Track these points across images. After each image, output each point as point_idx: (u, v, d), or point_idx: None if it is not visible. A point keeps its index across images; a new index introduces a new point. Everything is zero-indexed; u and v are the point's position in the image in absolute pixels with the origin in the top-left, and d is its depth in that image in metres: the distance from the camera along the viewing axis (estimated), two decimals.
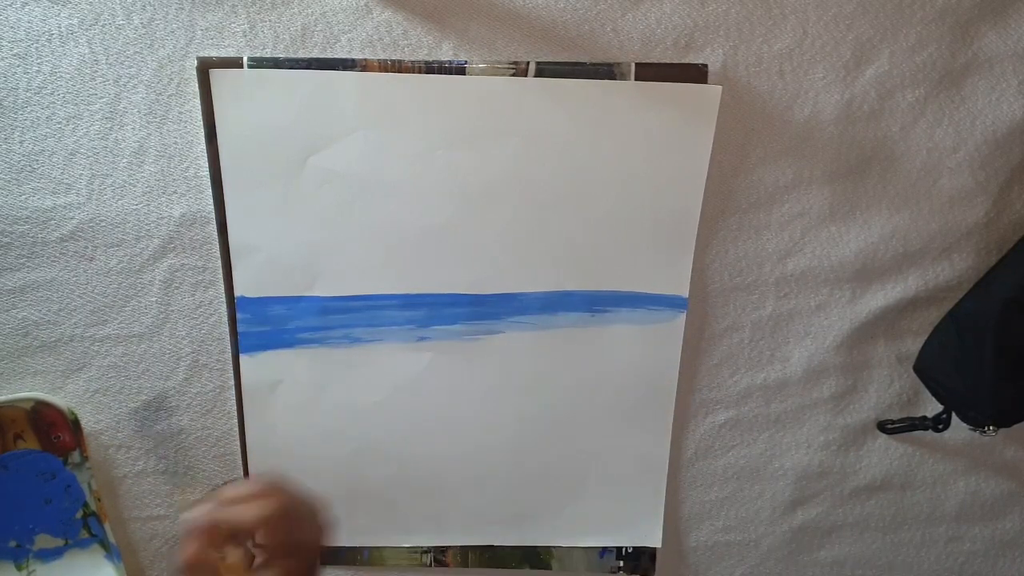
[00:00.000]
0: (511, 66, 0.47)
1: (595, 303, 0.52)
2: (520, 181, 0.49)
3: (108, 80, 0.47)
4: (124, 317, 0.51)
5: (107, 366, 0.52)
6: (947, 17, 0.47)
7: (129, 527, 0.56)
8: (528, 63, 0.47)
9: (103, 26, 0.46)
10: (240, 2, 0.46)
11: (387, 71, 0.47)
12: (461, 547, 0.59)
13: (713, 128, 0.48)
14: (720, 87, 0.47)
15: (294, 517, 0.42)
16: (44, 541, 0.55)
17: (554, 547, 0.59)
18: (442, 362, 0.53)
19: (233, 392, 0.54)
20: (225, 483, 0.47)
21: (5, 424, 0.52)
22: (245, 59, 0.46)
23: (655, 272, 0.52)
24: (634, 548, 0.59)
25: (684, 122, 0.48)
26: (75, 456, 0.53)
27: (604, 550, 0.59)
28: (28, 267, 0.50)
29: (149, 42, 0.46)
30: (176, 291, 0.51)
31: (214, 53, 0.46)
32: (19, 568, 0.55)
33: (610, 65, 0.47)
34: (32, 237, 0.49)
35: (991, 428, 0.52)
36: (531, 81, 0.47)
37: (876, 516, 0.59)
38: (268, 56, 0.47)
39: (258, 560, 0.41)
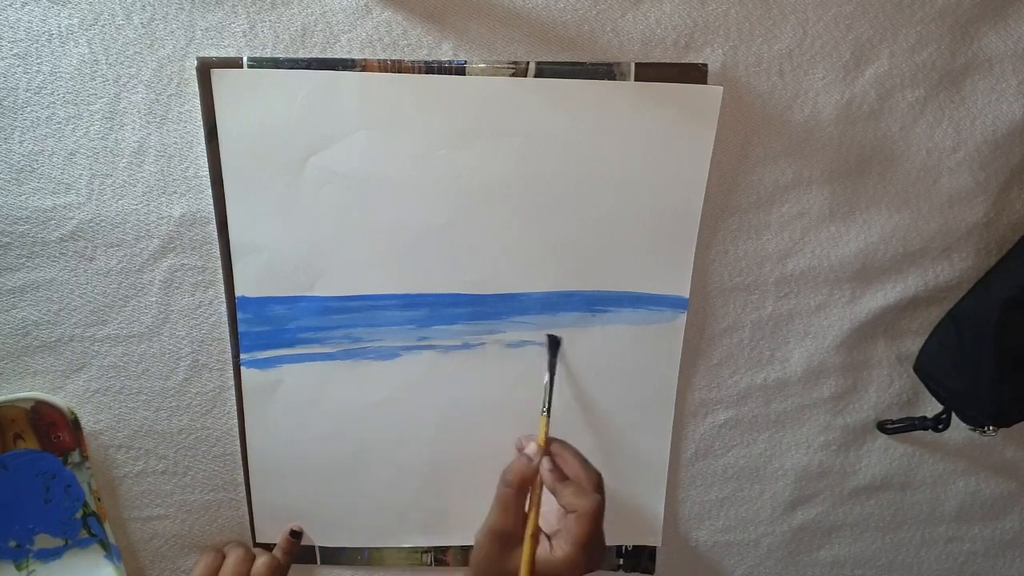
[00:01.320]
0: (511, 66, 0.47)
1: (596, 303, 0.52)
2: (521, 181, 0.49)
3: (108, 80, 0.47)
4: (124, 317, 0.51)
5: (107, 366, 0.52)
6: (947, 17, 0.47)
7: (129, 527, 0.56)
8: (528, 63, 0.47)
9: (103, 26, 0.46)
10: (240, 2, 0.46)
11: (387, 71, 0.47)
12: (461, 547, 0.59)
13: (714, 129, 0.48)
14: (721, 88, 0.47)
15: (597, 528, 0.47)
16: (44, 541, 0.55)
17: None
18: (442, 362, 0.53)
19: (233, 392, 0.54)
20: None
21: (5, 424, 0.52)
22: (245, 59, 0.46)
23: (656, 273, 0.52)
24: (634, 547, 0.59)
25: (685, 122, 0.48)
26: (75, 456, 0.53)
27: None
28: (28, 267, 0.50)
29: (149, 42, 0.46)
30: (176, 291, 0.51)
31: (214, 53, 0.46)
32: (19, 568, 0.55)
33: (610, 65, 0.47)
34: (32, 237, 0.49)
35: (991, 428, 0.52)
36: (531, 81, 0.47)
37: (876, 516, 0.59)
38: (268, 56, 0.47)
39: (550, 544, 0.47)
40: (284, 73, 0.46)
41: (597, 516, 0.46)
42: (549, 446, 0.51)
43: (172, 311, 0.52)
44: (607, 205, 0.50)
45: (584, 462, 0.49)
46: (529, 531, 0.47)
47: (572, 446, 0.51)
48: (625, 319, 0.52)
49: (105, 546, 0.55)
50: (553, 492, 0.48)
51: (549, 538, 0.48)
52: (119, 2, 0.46)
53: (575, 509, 0.46)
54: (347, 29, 0.47)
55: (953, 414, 0.53)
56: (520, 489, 0.48)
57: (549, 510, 0.49)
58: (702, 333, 0.54)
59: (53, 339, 0.51)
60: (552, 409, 0.52)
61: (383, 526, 0.58)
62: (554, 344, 0.53)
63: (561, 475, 0.48)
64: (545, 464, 0.48)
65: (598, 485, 0.48)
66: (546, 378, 0.52)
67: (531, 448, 0.50)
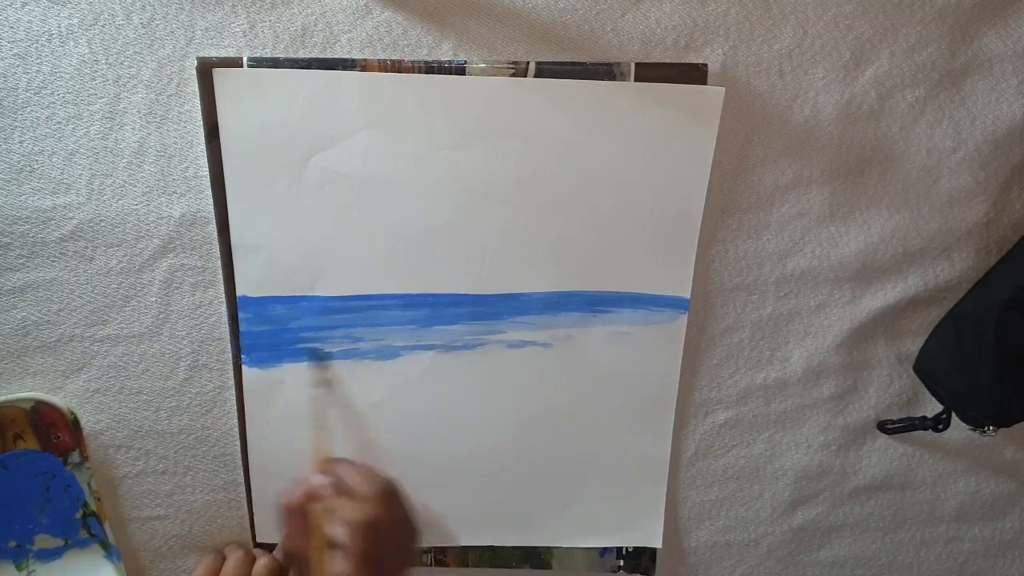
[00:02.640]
0: (511, 66, 0.47)
1: (597, 304, 0.52)
2: (522, 182, 0.49)
3: (108, 80, 0.47)
4: (124, 317, 0.51)
5: (107, 366, 0.52)
6: (947, 17, 0.47)
7: (129, 527, 0.56)
8: (528, 63, 0.47)
9: (103, 26, 0.46)
10: (240, 2, 0.46)
11: (387, 71, 0.47)
12: (461, 547, 0.59)
13: (716, 130, 0.48)
14: (723, 89, 0.47)
15: (389, 533, 0.45)
16: (44, 541, 0.55)
17: (554, 547, 0.59)
18: (443, 362, 0.53)
19: (233, 392, 0.54)
20: (340, 460, 0.50)
21: (5, 424, 0.52)
22: (245, 59, 0.46)
23: (657, 273, 0.52)
24: (634, 548, 0.59)
25: (686, 123, 0.48)
26: (75, 456, 0.53)
27: (604, 550, 0.59)
28: (28, 267, 0.50)
29: (149, 42, 0.46)
30: (176, 291, 0.51)
31: (214, 53, 0.46)
32: (19, 568, 0.55)
33: (610, 65, 0.47)
34: (32, 237, 0.49)
35: (991, 428, 0.52)
36: (531, 81, 0.47)
37: (876, 516, 0.59)
38: (268, 56, 0.47)
39: (342, 559, 0.45)
40: (286, 73, 0.46)
41: (371, 528, 0.44)
42: (330, 464, 0.49)
43: (172, 311, 0.52)
44: (608, 205, 0.50)
45: (369, 476, 0.47)
46: (315, 544, 0.46)
47: (358, 463, 0.49)
48: (626, 319, 0.52)
49: (105, 546, 0.55)
50: (330, 511, 0.46)
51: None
52: (119, 2, 0.46)
53: (348, 522, 0.44)
54: (347, 29, 0.47)
55: (953, 414, 0.53)
56: (297, 510, 0.46)
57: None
58: (702, 333, 0.54)
59: (53, 339, 0.51)
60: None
61: None
62: (318, 358, 0.52)
63: (337, 491, 0.46)
64: (320, 480, 0.47)
65: (380, 496, 0.45)
66: (316, 391, 0.52)
67: (307, 470, 0.48)
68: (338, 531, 0.45)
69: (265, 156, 0.48)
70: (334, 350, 0.52)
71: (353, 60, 0.47)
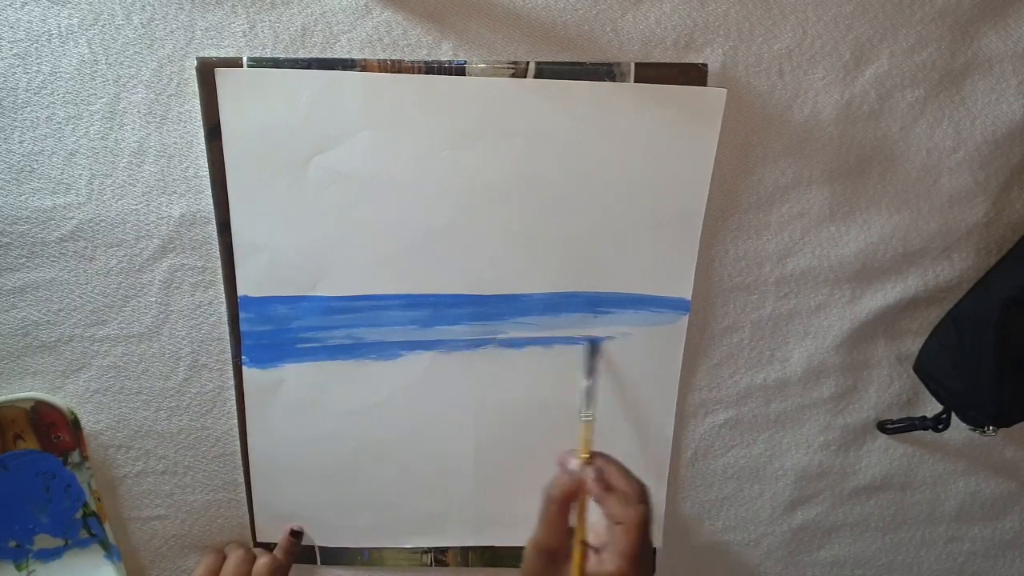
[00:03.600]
0: (510, 66, 0.47)
1: (598, 304, 0.52)
2: (522, 182, 0.49)
3: (108, 80, 0.47)
4: (124, 317, 0.51)
5: (107, 366, 0.52)
6: (947, 17, 0.47)
7: (129, 527, 0.56)
8: (528, 63, 0.47)
9: (103, 26, 0.46)
10: (240, 2, 0.46)
11: (387, 71, 0.47)
12: (461, 548, 0.59)
13: (717, 131, 0.48)
14: (725, 90, 0.47)
15: (648, 536, 0.46)
16: (44, 541, 0.55)
17: None
18: (444, 362, 0.53)
19: (233, 392, 0.54)
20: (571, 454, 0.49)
21: (5, 424, 0.52)
22: (245, 59, 0.46)
23: (658, 274, 0.52)
24: None
25: (688, 124, 0.48)
26: (75, 456, 0.53)
27: None
28: (28, 267, 0.50)
29: (149, 42, 0.46)
30: (176, 291, 0.51)
31: (214, 53, 0.46)
32: (19, 568, 0.55)
33: (610, 65, 0.47)
34: (32, 237, 0.49)
35: (991, 428, 0.52)
36: (531, 82, 0.47)
37: (876, 516, 0.60)
38: (268, 56, 0.47)
39: (599, 556, 0.46)
40: (287, 73, 0.46)
41: (644, 527, 0.45)
42: (593, 457, 0.49)
43: (172, 311, 0.52)
44: (609, 206, 0.50)
45: (628, 473, 0.48)
46: (578, 538, 0.46)
47: (615, 458, 0.49)
48: (627, 320, 0.52)
49: (105, 546, 0.55)
50: (599, 503, 0.47)
51: (597, 551, 0.47)
52: (119, 2, 0.45)
53: (622, 520, 0.45)
54: (347, 29, 0.47)
55: (953, 414, 0.53)
56: (564, 503, 0.47)
57: (594, 523, 0.48)
58: (702, 333, 0.54)
59: (53, 339, 0.51)
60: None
61: (383, 526, 0.58)
62: (594, 349, 0.52)
63: (606, 486, 0.47)
64: (590, 474, 0.47)
65: (642, 495, 0.46)
66: (584, 383, 0.51)
67: (574, 462, 0.48)
68: (600, 529, 0.46)
69: (266, 156, 0.48)
70: (335, 350, 0.52)
71: (353, 60, 0.47)
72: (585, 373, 0.52)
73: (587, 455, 0.48)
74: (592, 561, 0.46)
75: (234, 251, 0.50)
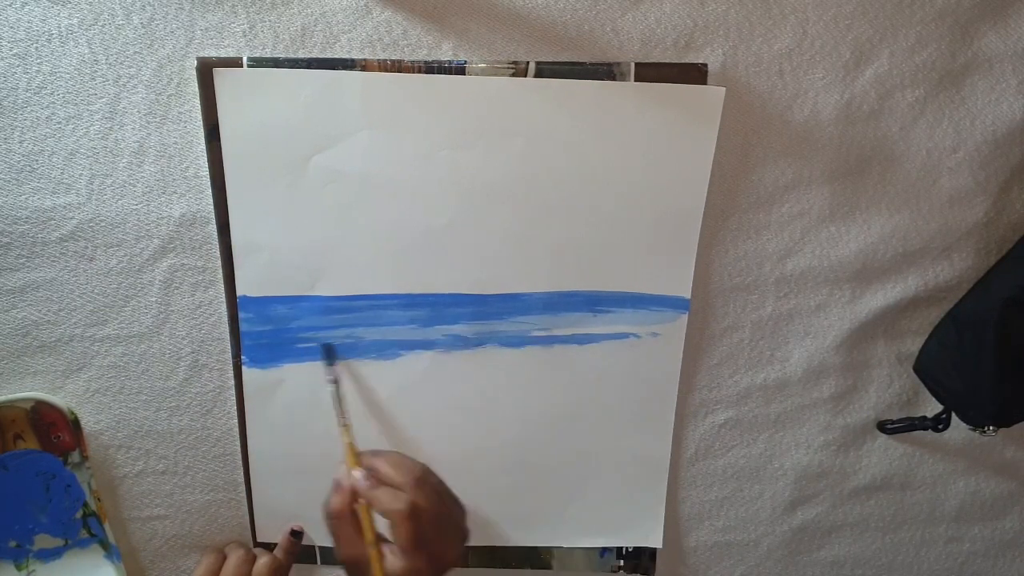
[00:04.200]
0: (510, 66, 0.47)
1: (597, 304, 0.52)
2: (522, 182, 0.49)
3: (108, 80, 0.47)
4: (124, 317, 0.51)
5: (107, 366, 0.52)
6: (947, 17, 0.47)
7: (129, 527, 0.56)
8: (528, 63, 0.47)
9: (103, 26, 0.46)
10: (240, 2, 0.46)
11: (387, 71, 0.47)
12: None
13: (716, 130, 0.48)
14: (724, 89, 0.47)
15: (432, 516, 0.45)
16: (44, 541, 0.55)
17: (554, 547, 0.59)
18: (444, 362, 0.53)
19: (233, 392, 0.54)
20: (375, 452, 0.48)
21: (5, 424, 0.52)
22: (245, 59, 0.46)
23: (657, 273, 0.52)
24: (634, 548, 0.59)
25: (687, 124, 0.48)
26: (75, 456, 0.53)
27: (604, 550, 0.59)
28: (28, 267, 0.50)
29: (149, 42, 0.46)
30: (176, 291, 0.51)
31: (214, 53, 0.46)
32: (19, 568, 0.55)
33: (610, 65, 0.47)
34: (32, 237, 0.49)
35: (991, 428, 0.52)
36: (531, 81, 0.47)
37: (876, 516, 0.59)
38: (268, 56, 0.47)
39: (395, 553, 0.45)
40: (287, 73, 0.46)
41: (414, 515, 0.43)
42: (360, 459, 0.47)
43: (172, 311, 0.52)
44: (608, 205, 0.50)
45: (400, 463, 0.46)
46: (368, 542, 0.45)
47: (387, 451, 0.48)
48: (626, 319, 0.52)
49: (105, 546, 0.55)
50: (370, 503, 0.45)
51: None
52: (119, 2, 0.46)
53: (392, 515, 0.44)
54: (347, 29, 0.47)
55: (953, 414, 0.53)
56: (342, 516, 0.46)
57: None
58: (702, 333, 0.54)
59: (53, 339, 0.51)
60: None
61: None
62: (329, 352, 0.52)
63: (374, 483, 0.45)
64: (358, 476, 0.46)
65: (418, 481, 0.45)
66: (331, 389, 0.51)
67: (340, 471, 0.47)
68: (384, 524, 0.45)
69: (266, 156, 0.48)
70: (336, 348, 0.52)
71: (353, 60, 0.47)
72: (327, 378, 0.51)
73: (353, 459, 0.47)
74: (388, 559, 0.45)
75: (233, 251, 0.50)
